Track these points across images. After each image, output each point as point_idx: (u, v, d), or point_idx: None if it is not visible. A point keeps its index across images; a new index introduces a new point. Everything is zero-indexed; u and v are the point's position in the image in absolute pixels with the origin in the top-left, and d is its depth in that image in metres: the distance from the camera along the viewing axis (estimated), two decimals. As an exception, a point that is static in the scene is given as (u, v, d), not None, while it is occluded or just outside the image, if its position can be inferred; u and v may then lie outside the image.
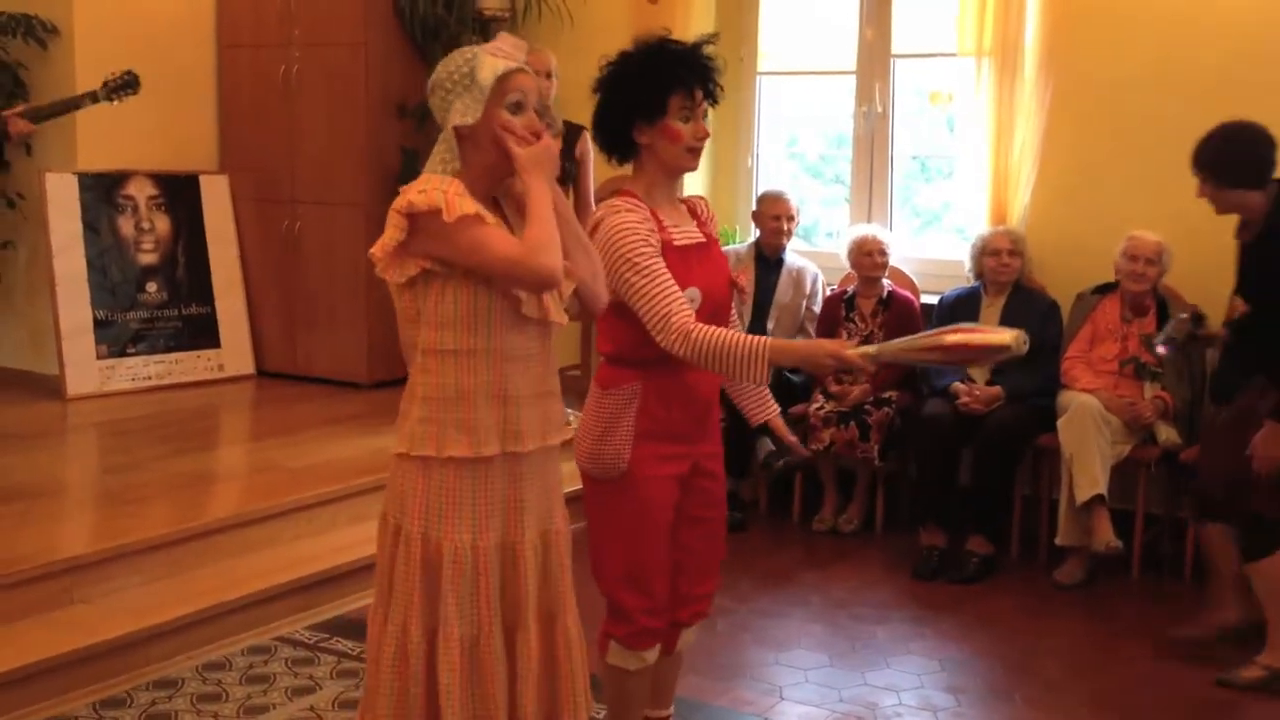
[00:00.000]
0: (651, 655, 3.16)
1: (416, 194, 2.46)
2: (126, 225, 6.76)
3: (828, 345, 2.86)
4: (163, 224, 6.90)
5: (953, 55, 5.86)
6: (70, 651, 3.80)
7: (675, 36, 3.05)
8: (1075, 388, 5.10)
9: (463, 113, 2.53)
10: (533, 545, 2.66)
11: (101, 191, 6.66)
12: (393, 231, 2.47)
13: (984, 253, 5.49)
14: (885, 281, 5.78)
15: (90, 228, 6.57)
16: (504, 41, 2.61)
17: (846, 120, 6.48)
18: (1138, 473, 5.06)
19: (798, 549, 5.50)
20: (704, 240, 3.09)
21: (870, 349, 2.80)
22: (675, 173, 3.06)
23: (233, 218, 7.16)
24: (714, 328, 2.84)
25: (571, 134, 5.60)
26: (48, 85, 6.28)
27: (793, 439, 3.33)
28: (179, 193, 6.98)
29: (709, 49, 3.01)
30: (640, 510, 3.02)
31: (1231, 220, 5.25)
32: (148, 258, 6.83)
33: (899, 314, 5.67)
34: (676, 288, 2.86)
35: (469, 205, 2.47)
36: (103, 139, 6.47)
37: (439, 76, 2.58)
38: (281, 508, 4.84)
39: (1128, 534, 5.02)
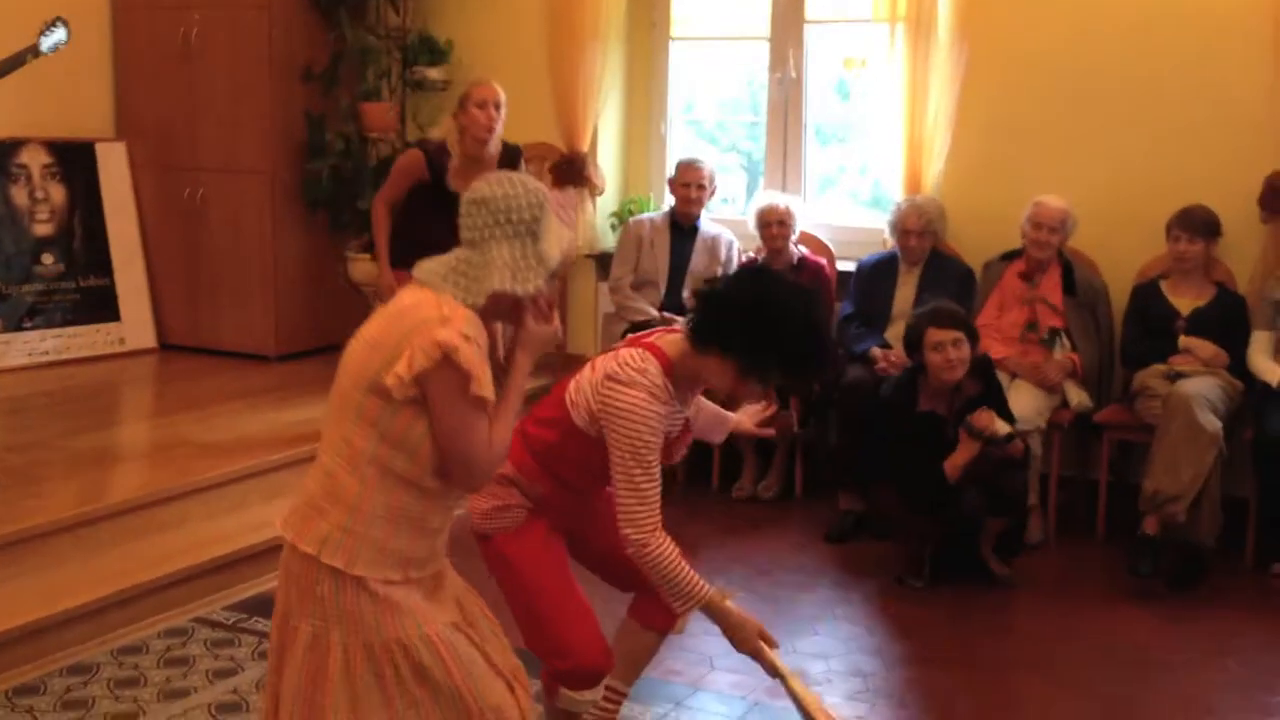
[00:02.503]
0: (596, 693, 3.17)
1: (461, 338, 2.31)
2: (20, 195, 6.50)
3: (757, 637, 2.93)
4: (58, 193, 6.65)
5: (867, 21, 5.86)
6: (-23, 639, 3.67)
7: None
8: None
9: (517, 278, 2.39)
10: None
11: (-8, 160, 6.41)
12: (423, 360, 2.30)
13: (895, 229, 5.52)
14: (797, 249, 5.76)
15: (-19, 197, 6.32)
16: (564, 199, 2.53)
17: (741, 86, 6.45)
18: (1051, 436, 5.12)
19: (718, 517, 5.49)
20: (684, 423, 3.07)
21: (783, 671, 2.93)
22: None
23: (131, 186, 6.92)
24: (672, 547, 2.87)
25: (510, 155, 5.31)
26: (-66, 49, 6.00)
27: (767, 431, 3.47)
28: (74, 161, 6.73)
29: None
30: (529, 560, 3.03)
31: (1137, 186, 5.37)
32: (43, 229, 6.58)
33: (810, 279, 5.65)
34: (656, 495, 2.88)
35: (489, 383, 2.37)
36: (-8, 105, 6.22)
37: (493, 198, 2.40)
38: (192, 485, 4.71)
39: (1043, 496, 5.10)
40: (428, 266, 2.45)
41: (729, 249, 5.97)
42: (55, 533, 4.21)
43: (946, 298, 5.14)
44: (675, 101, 6.67)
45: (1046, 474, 5.12)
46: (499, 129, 5.15)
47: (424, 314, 2.35)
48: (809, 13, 6.21)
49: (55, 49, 4.70)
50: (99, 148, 6.84)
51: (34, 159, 6.58)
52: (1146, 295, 5.16)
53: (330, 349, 6.84)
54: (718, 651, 4.10)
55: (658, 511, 2.86)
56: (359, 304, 6.96)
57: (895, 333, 5.43)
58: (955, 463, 4.52)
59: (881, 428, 4.80)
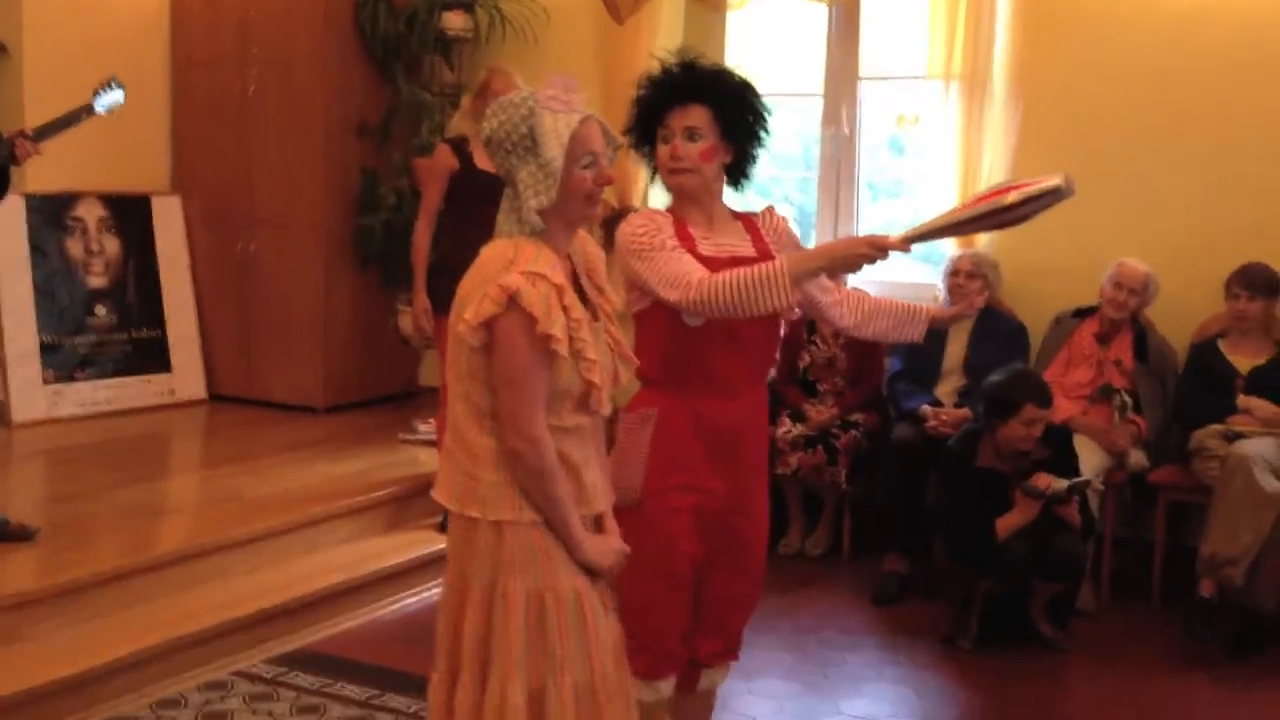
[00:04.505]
0: (666, 687, 3.08)
1: (525, 279, 2.36)
2: (75, 247, 6.59)
3: (861, 236, 2.82)
4: (113, 246, 6.74)
5: (920, 78, 5.82)
6: (18, 692, 3.66)
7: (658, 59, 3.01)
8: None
9: (535, 192, 2.43)
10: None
11: (49, 213, 6.50)
12: (490, 306, 2.37)
13: (947, 273, 5.46)
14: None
15: (38, 250, 6.40)
16: (555, 86, 2.47)
17: (793, 140, 6.41)
18: (1106, 497, 5.01)
19: (765, 573, 5.39)
20: (752, 255, 2.99)
21: (910, 230, 2.78)
22: (673, 192, 3.01)
23: (185, 240, 7.00)
24: (734, 269, 2.77)
25: None
26: (-4, 104, 6.12)
27: (951, 311, 3.32)
28: (130, 214, 6.82)
29: (676, 65, 2.98)
30: (652, 542, 2.91)
31: (1194, 242, 5.28)
32: (97, 280, 6.67)
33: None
34: (689, 256, 2.82)
35: (558, 323, 2.39)
36: (51, 159, 6.27)
37: (494, 132, 2.46)
38: (236, 538, 4.72)
39: (1097, 557, 4.98)
40: (498, 218, 2.52)
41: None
42: (98, 584, 4.23)
43: (999, 354, 5.09)
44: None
45: (1100, 536, 5.00)
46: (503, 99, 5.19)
47: (496, 264, 2.43)
48: (863, 69, 6.19)
49: (111, 110, 4.78)
50: (154, 201, 6.93)
51: (90, 212, 6.67)
52: (1205, 354, 5.05)
53: (378, 401, 6.89)
54: (762, 712, 4.04)
55: (694, 268, 2.81)
56: (408, 357, 7.01)
57: (945, 389, 5.36)
58: (1010, 523, 4.43)
59: (939, 478, 4.73)
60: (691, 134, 2.92)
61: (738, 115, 2.96)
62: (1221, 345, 5.04)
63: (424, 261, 5.21)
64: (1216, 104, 5.30)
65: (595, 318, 2.57)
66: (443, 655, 2.57)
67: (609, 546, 2.57)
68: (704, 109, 2.93)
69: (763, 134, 3.02)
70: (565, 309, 2.41)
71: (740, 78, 3.01)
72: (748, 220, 3.10)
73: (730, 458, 3.01)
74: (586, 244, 2.65)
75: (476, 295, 2.41)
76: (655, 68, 3.00)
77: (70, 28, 6.48)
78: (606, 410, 2.58)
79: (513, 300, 2.36)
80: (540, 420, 2.42)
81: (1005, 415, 4.50)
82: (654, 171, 3.04)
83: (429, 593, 4.87)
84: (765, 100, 3.03)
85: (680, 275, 2.78)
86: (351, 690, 4.06)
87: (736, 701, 4.09)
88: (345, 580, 4.73)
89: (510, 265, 2.40)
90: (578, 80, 2.52)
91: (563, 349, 2.39)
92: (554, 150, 2.42)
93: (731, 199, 3.15)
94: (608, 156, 2.55)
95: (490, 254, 2.48)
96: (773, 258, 2.97)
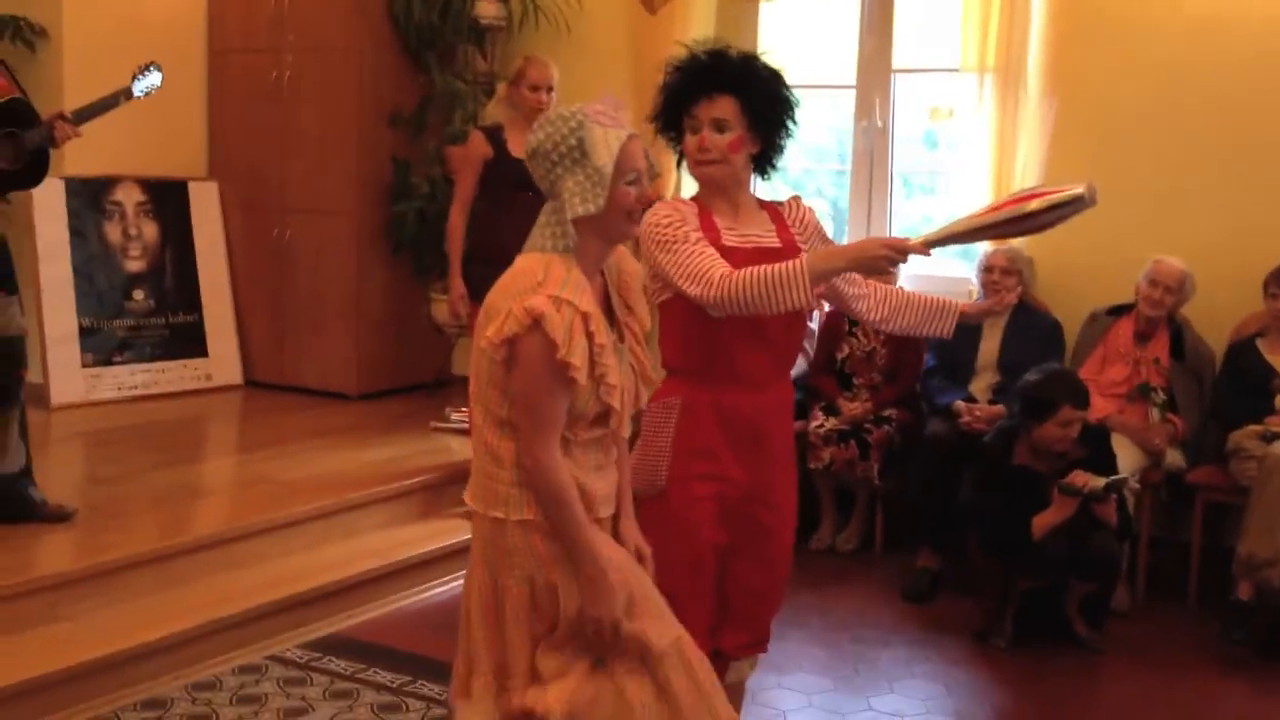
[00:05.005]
0: None
1: (551, 303, 2.37)
2: (114, 232, 6.65)
3: (878, 239, 2.83)
4: (150, 231, 6.79)
5: (955, 70, 5.80)
6: (54, 671, 3.70)
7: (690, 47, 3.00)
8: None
9: (583, 199, 2.44)
10: None
11: (89, 197, 6.55)
12: (513, 324, 2.39)
13: (981, 269, 5.44)
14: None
15: (77, 234, 6.45)
16: (606, 103, 2.50)
17: (827, 133, 6.39)
18: (1142, 497, 4.98)
19: (796, 568, 5.35)
20: (776, 246, 2.97)
21: (931, 233, 2.77)
22: (700, 182, 3.00)
23: (222, 225, 7.05)
24: (754, 266, 2.76)
25: None
26: (36, 88, 6.12)
27: (981, 306, 3.30)
28: (167, 199, 6.87)
29: (704, 53, 2.96)
30: (675, 531, 2.92)
31: (1232, 240, 5.23)
32: (135, 265, 6.72)
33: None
34: (712, 251, 2.81)
35: (579, 350, 2.40)
36: (90, 142, 6.34)
37: (540, 144, 2.48)
38: (270, 523, 4.74)
39: (1133, 557, 4.96)
40: (532, 232, 2.54)
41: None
42: (134, 566, 4.26)
43: (1033, 351, 5.07)
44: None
45: (1136, 535, 4.97)
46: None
47: (525, 280, 2.44)
48: (896, 61, 6.17)
49: (148, 93, 4.81)
50: (191, 187, 6.98)
51: (128, 197, 6.72)
52: (1243, 353, 5.01)
53: (411, 389, 6.92)
54: (791, 706, 4.04)
55: (718, 264, 2.78)
56: (441, 345, 7.03)
57: (979, 386, 5.34)
58: (1046, 521, 4.41)
59: (974, 475, 4.72)
60: (719, 125, 2.91)
61: (766, 106, 2.95)
62: (1260, 345, 4.99)
63: (459, 248, 5.23)
64: (1255, 101, 5.25)
65: (621, 338, 2.58)
66: (480, 657, 2.59)
67: (609, 603, 2.47)
68: (732, 100, 2.91)
69: (791, 125, 3.00)
70: (590, 334, 2.42)
71: (768, 67, 2.99)
72: (774, 211, 3.08)
73: (754, 448, 3.01)
74: (623, 260, 2.65)
75: (502, 311, 2.42)
76: (683, 54, 2.99)
77: (108, 12, 6.53)
78: (627, 431, 2.60)
79: (536, 323, 2.37)
80: (550, 446, 2.43)
81: (1041, 416, 4.48)
82: (680, 157, 3.04)
83: (460, 581, 4.88)
84: (794, 90, 3.01)
85: (702, 271, 2.77)
86: (384, 676, 4.09)
87: (766, 695, 4.10)
88: (379, 567, 4.76)
89: (538, 286, 2.41)
90: (623, 100, 2.54)
91: (581, 376, 2.40)
92: (604, 159, 2.44)
93: (759, 188, 3.14)
94: (648, 178, 2.56)
95: (521, 268, 2.49)
96: (797, 249, 2.97)
